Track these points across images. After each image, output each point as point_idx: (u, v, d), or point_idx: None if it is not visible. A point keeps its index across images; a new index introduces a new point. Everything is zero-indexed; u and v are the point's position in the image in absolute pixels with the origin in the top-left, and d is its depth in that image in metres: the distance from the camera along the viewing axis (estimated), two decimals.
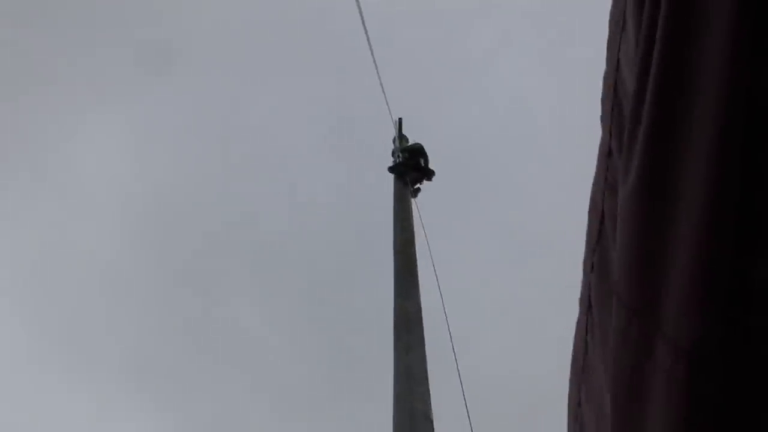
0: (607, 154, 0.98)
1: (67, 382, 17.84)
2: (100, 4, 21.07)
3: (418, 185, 6.86)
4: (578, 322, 1.15)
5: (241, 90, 23.90)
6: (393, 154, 7.14)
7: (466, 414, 4.45)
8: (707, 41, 0.69)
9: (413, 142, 7.17)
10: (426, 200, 7.08)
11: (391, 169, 6.79)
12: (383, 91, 6.96)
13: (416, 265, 5.06)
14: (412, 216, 5.74)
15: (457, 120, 22.83)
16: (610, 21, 0.98)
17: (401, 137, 7.33)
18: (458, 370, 4.74)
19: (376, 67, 6.53)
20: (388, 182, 6.75)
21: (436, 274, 5.31)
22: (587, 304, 1.07)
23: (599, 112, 1.06)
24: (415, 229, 5.69)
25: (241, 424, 18.16)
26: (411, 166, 6.81)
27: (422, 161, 6.92)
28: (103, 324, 19.33)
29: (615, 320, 0.83)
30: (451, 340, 4.95)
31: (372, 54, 6.23)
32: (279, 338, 19.60)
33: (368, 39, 5.86)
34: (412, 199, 6.37)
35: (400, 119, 7.47)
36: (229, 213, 22.27)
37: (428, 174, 6.92)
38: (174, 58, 21.62)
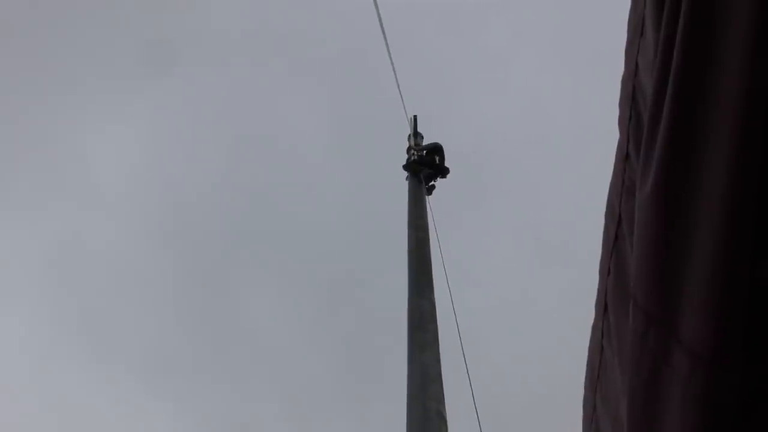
0: (624, 158, 0.97)
1: (85, 378, 18.04)
2: (113, 2, 21.21)
3: (432, 182, 6.83)
4: (594, 326, 1.14)
5: (258, 87, 23.97)
6: (408, 151, 7.11)
7: (476, 414, 4.45)
8: (727, 46, 0.68)
9: (432, 142, 7.12)
10: (441, 198, 7.07)
11: (406, 167, 6.77)
12: (398, 88, 6.95)
13: (430, 264, 5.05)
14: (426, 215, 5.73)
15: (472, 118, 22.76)
16: (629, 25, 0.97)
17: (416, 134, 7.30)
18: (467, 370, 4.74)
19: (393, 65, 6.52)
20: (404, 179, 6.74)
21: (446, 275, 5.31)
22: (603, 307, 1.06)
23: (617, 114, 1.05)
24: (429, 227, 5.68)
25: (256, 421, 18.26)
26: (426, 163, 6.78)
27: (437, 158, 6.88)
28: (122, 320, 19.52)
29: (632, 325, 0.82)
30: (460, 339, 4.94)
31: (388, 51, 6.22)
32: (295, 335, 19.70)
33: (385, 36, 5.86)
34: (427, 198, 6.35)
35: (414, 116, 7.45)
36: (246, 210, 22.38)
37: (443, 171, 6.88)
38: (190, 55, 21.75)
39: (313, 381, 18.57)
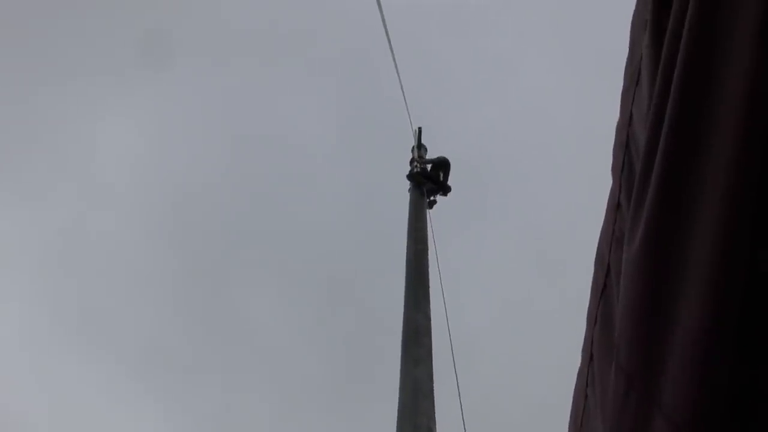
0: (615, 207, 0.95)
1: (81, 373, 18.02)
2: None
3: (433, 197, 6.80)
4: (579, 372, 1.12)
5: (264, 85, 24.03)
6: (411, 162, 7.09)
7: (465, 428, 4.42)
8: (719, 111, 0.67)
9: (438, 156, 7.07)
10: (443, 205, 7.04)
11: (409, 177, 6.74)
12: (404, 99, 6.93)
13: (428, 277, 5.02)
14: (426, 227, 5.70)
15: (474, 122, 22.75)
16: (625, 73, 0.95)
17: (420, 146, 7.28)
18: (458, 386, 4.71)
19: (399, 77, 6.50)
20: (407, 187, 6.72)
21: (442, 290, 5.29)
22: (589, 356, 1.04)
23: (611, 158, 1.03)
24: (429, 239, 5.66)
25: (252, 420, 18.23)
26: (430, 178, 6.75)
27: (441, 175, 6.85)
28: (120, 316, 19.52)
29: (614, 384, 0.80)
30: (453, 357, 4.92)
31: (395, 64, 6.20)
32: (294, 335, 19.67)
33: (392, 51, 5.84)
34: (428, 210, 6.33)
35: (419, 128, 7.43)
36: (248, 208, 22.39)
37: (444, 189, 6.85)
38: (197, 50, 21.78)
39: (310, 381, 18.56)
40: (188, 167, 22.48)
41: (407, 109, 7.14)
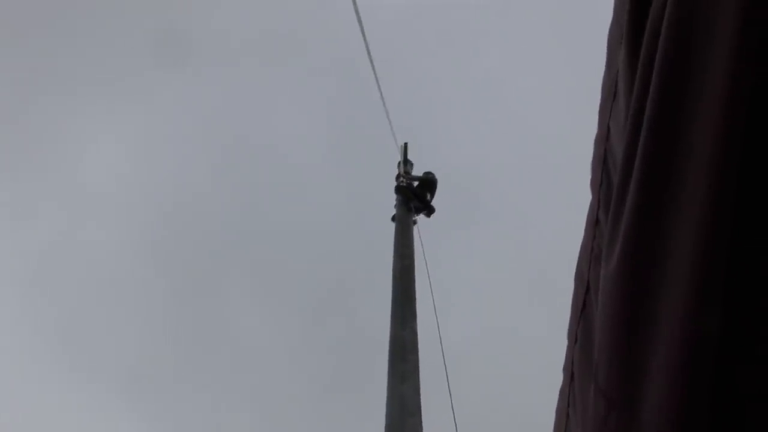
0: (594, 222, 0.93)
1: (65, 383, 17.77)
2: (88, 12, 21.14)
3: (416, 217, 6.74)
4: (561, 391, 1.10)
5: (251, 96, 24.00)
6: (397, 178, 7.06)
7: None
8: (699, 122, 0.65)
9: (426, 172, 7.03)
10: (432, 221, 7.02)
11: (397, 190, 6.71)
12: (386, 113, 6.93)
13: (414, 293, 5.00)
14: (412, 242, 5.68)
15: (467, 139, 22.86)
16: (603, 86, 0.94)
17: (406, 162, 7.28)
18: (452, 405, 4.67)
19: (380, 91, 6.50)
20: (393, 201, 6.68)
21: (434, 306, 5.26)
22: (570, 375, 1.02)
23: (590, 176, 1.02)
24: (416, 252, 5.64)
25: None
26: (417, 195, 6.71)
27: (429, 195, 6.81)
28: (104, 326, 19.30)
29: (593, 408, 0.78)
30: (446, 372, 4.88)
31: (376, 79, 6.21)
32: (281, 347, 19.52)
33: (374, 68, 5.85)
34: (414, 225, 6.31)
35: (405, 144, 7.42)
36: (234, 220, 22.29)
37: (429, 210, 6.81)
38: (185, 61, 21.75)
39: (297, 395, 18.39)
40: (175, 177, 22.39)
41: (390, 124, 7.14)
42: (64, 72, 20.66)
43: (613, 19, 0.90)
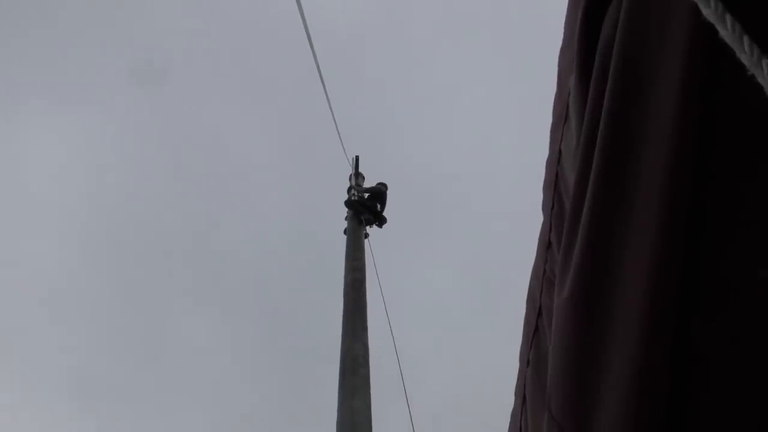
0: (546, 245, 0.93)
1: (9, 396, 16.95)
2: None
3: (368, 229, 6.74)
4: (513, 413, 1.09)
5: (201, 108, 23.62)
6: (349, 190, 7.04)
7: None
8: (648, 152, 0.65)
9: (377, 183, 7.05)
10: (383, 232, 7.01)
11: (348, 204, 6.69)
12: (337, 129, 6.90)
13: (365, 306, 4.96)
14: (364, 255, 5.65)
15: (416, 152, 23.01)
16: (554, 110, 0.94)
17: (357, 174, 7.26)
18: (410, 413, 4.66)
19: (330, 106, 6.46)
20: (344, 216, 6.65)
21: (388, 316, 5.23)
22: (522, 398, 1.01)
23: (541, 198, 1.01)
24: (368, 264, 5.61)
25: None
26: (368, 207, 6.71)
27: (379, 206, 6.83)
28: (48, 338, 18.54)
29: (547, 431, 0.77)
30: (403, 381, 4.86)
31: (326, 94, 6.17)
32: (231, 362, 19.13)
33: (323, 80, 5.82)
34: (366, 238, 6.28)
35: (356, 157, 7.41)
36: (186, 230, 21.83)
37: (380, 220, 6.83)
38: (138, 72, 21.28)
39: (247, 410, 18.02)
40: (124, 189, 21.80)
41: (340, 138, 7.12)
42: (11, 73, 19.94)
43: (563, 43, 0.90)
